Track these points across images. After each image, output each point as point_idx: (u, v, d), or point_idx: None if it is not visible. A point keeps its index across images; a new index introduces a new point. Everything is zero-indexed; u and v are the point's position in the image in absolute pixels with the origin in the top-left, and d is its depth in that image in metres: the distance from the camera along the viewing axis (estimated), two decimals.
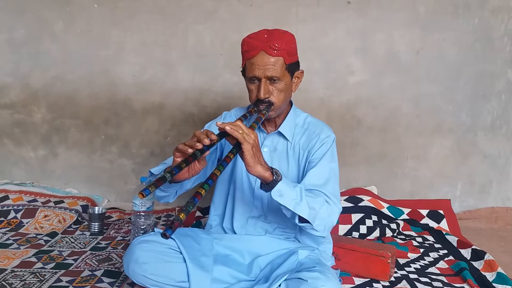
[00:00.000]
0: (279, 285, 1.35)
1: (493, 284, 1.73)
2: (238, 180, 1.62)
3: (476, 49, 2.57)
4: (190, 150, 1.22)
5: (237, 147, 1.26)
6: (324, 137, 1.56)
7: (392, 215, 2.41)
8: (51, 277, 1.68)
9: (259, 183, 1.56)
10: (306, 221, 1.38)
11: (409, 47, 2.58)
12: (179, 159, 1.28)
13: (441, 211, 2.47)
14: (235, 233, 1.61)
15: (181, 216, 0.95)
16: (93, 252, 1.95)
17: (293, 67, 1.51)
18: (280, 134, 1.59)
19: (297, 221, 1.38)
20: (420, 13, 2.55)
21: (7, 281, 1.61)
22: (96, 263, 1.83)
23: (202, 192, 1.05)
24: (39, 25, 2.63)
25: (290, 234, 1.60)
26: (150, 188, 0.99)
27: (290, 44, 1.48)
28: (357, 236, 2.24)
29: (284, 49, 1.44)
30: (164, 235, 0.95)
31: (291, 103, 1.64)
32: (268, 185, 1.32)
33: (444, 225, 2.41)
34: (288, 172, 1.57)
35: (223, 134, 1.27)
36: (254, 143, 1.27)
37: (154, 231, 1.54)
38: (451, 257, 2.03)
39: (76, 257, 1.89)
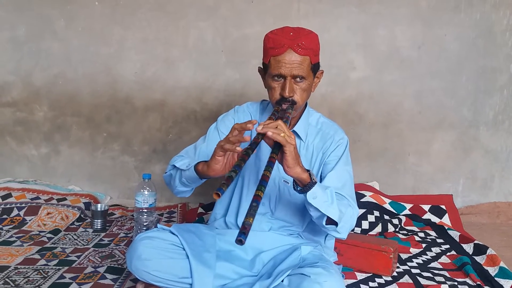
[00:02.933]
0: (282, 281, 1.35)
1: (496, 278, 1.72)
2: (247, 175, 1.61)
3: (478, 44, 2.56)
4: (238, 149, 1.24)
5: (278, 147, 1.25)
6: (339, 138, 1.56)
7: (394, 211, 2.41)
8: (54, 273, 1.68)
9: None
10: (331, 223, 1.38)
11: (410, 42, 2.57)
12: (220, 158, 1.31)
13: (443, 206, 2.47)
14: (238, 228, 1.61)
15: (250, 221, 1.01)
16: (96, 249, 1.96)
17: (316, 67, 1.51)
18: (294, 133, 1.58)
19: (324, 222, 1.38)
20: (422, 8, 2.55)
21: (10, 278, 1.62)
22: (99, 260, 1.83)
23: (261, 195, 1.09)
24: (40, 23, 2.64)
25: (294, 231, 1.61)
26: (223, 187, 1.05)
27: (316, 44, 1.48)
28: (359, 232, 2.24)
29: (311, 48, 1.44)
30: (239, 242, 0.99)
31: (306, 103, 1.64)
32: (305, 186, 1.32)
33: (446, 220, 2.41)
34: None
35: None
36: (295, 144, 1.27)
37: (157, 228, 1.54)
38: (453, 252, 2.03)
39: (79, 254, 1.89)
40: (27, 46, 2.66)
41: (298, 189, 1.34)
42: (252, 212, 1.03)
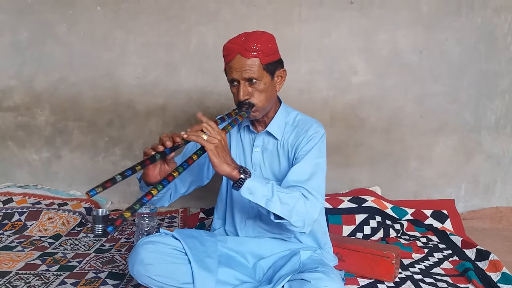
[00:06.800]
0: (282, 286, 1.34)
1: (498, 284, 1.72)
2: None
3: (480, 48, 2.56)
4: (153, 153, 1.26)
5: (202, 149, 1.28)
6: (312, 133, 1.54)
7: (396, 216, 2.40)
8: (55, 279, 1.68)
9: None
10: (282, 218, 1.37)
11: (412, 47, 2.57)
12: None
13: (445, 211, 2.46)
14: (238, 235, 1.61)
15: (125, 214, 0.98)
16: (97, 254, 1.95)
17: (272, 67, 1.50)
18: (269, 133, 1.59)
19: (272, 217, 1.37)
20: (423, 13, 2.55)
21: (11, 284, 1.62)
22: (100, 265, 1.83)
23: (153, 192, 1.09)
24: (43, 27, 2.64)
25: (289, 234, 1.59)
26: (96, 189, 1.04)
27: (267, 44, 1.47)
28: (361, 237, 2.23)
29: (259, 50, 1.44)
30: (105, 233, 0.98)
31: (280, 102, 1.64)
32: (237, 183, 1.32)
33: (448, 225, 2.40)
34: (280, 171, 1.57)
35: None
36: (218, 143, 1.27)
37: (160, 232, 1.54)
38: (455, 258, 2.02)
39: (80, 259, 1.89)
40: (29, 50, 2.67)
41: (235, 186, 1.34)
42: (131, 207, 1.00)
